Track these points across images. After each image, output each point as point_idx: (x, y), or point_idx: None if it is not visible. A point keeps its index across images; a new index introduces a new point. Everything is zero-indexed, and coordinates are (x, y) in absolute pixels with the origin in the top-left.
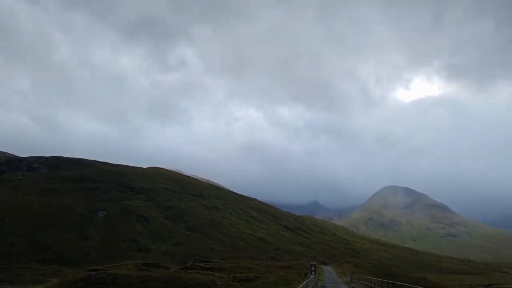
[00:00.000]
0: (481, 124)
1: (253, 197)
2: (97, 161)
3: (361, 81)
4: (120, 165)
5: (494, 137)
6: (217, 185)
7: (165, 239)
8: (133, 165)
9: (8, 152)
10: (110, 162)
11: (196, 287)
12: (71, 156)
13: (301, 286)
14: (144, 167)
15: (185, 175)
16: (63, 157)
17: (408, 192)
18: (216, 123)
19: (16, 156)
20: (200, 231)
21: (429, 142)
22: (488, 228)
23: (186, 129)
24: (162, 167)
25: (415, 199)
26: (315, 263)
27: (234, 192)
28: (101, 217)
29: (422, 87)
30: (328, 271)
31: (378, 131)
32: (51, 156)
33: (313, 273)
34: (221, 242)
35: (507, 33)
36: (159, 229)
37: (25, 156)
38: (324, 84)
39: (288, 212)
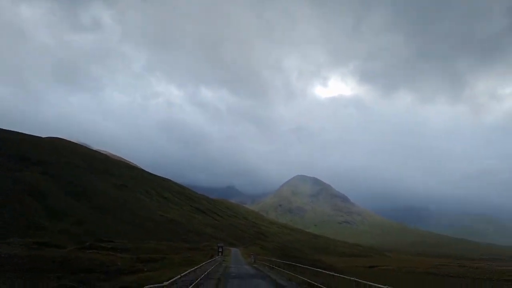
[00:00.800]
0: (383, 126)
1: (168, 177)
2: None
3: (285, 73)
4: (12, 131)
5: (392, 138)
6: (128, 162)
7: (64, 217)
8: (28, 133)
9: None
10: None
11: (94, 267)
12: None
13: (201, 264)
14: (43, 136)
15: (93, 150)
16: None
17: (316, 182)
18: (132, 96)
19: None
20: (106, 211)
21: (339, 138)
22: (378, 217)
23: (95, 99)
24: (65, 138)
25: (321, 189)
26: (222, 244)
27: (146, 172)
28: None
29: (337, 86)
30: (235, 252)
31: (295, 123)
32: None
33: (220, 254)
34: (129, 222)
35: (414, 47)
36: (57, 206)
37: None
38: (250, 71)
39: (202, 194)
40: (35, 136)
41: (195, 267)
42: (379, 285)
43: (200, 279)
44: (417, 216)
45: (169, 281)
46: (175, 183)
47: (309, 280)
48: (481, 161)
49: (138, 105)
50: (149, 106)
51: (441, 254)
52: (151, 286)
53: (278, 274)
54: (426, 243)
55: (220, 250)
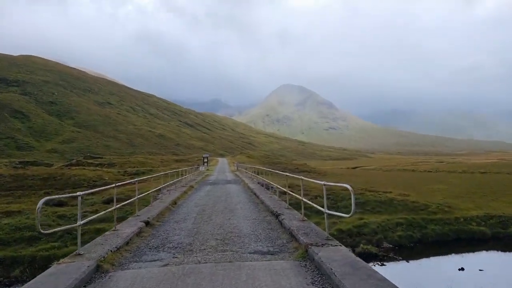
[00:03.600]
0: (370, 25)
1: (151, 93)
2: None
3: None
4: None
5: (379, 39)
6: (110, 79)
7: (51, 137)
8: None
9: None
10: None
11: (81, 183)
12: None
13: (184, 176)
14: (14, 54)
15: (70, 67)
16: None
17: (302, 90)
18: (98, 3)
19: None
20: (91, 128)
21: (324, 41)
22: (362, 122)
23: (60, 10)
24: (37, 55)
25: (307, 97)
26: (207, 155)
27: (129, 88)
28: None
29: None
30: (222, 162)
31: (278, 27)
32: None
33: (205, 164)
34: (117, 139)
35: None
36: (42, 126)
37: None
38: None
39: (188, 109)
40: (6, 54)
41: (177, 179)
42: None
43: (170, 185)
44: (403, 118)
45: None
46: (160, 99)
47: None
48: (471, 56)
49: (106, 14)
50: (119, 16)
51: (424, 152)
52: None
53: (253, 179)
54: (410, 143)
55: (206, 160)
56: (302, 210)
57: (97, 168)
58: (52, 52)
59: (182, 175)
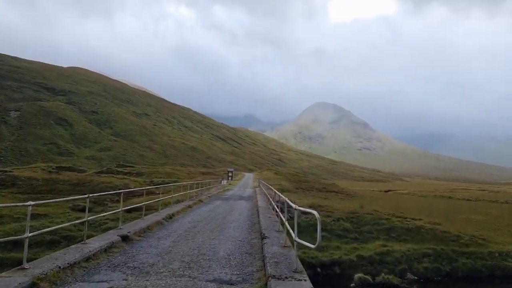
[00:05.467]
0: (410, 45)
1: (186, 106)
2: (6, 55)
3: None
4: (34, 61)
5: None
6: (148, 91)
7: (90, 144)
8: (49, 63)
9: None
10: (21, 57)
11: (107, 190)
12: None
13: (199, 188)
14: (63, 66)
15: (112, 79)
16: None
17: (336, 108)
18: (142, 20)
19: None
20: (128, 138)
21: (361, 60)
22: (397, 143)
23: (107, 23)
24: (84, 67)
25: (341, 116)
26: (232, 169)
27: (166, 101)
28: (15, 118)
29: (362, 2)
30: (248, 177)
31: (315, 45)
32: None
33: (229, 178)
34: (151, 149)
35: None
36: (83, 133)
37: None
38: None
39: (222, 123)
40: (56, 66)
41: (188, 191)
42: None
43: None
44: (441, 142)
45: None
46: (195, 112)
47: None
48: None
49: (149, 30)
50: (159, 30)
51: (465, 179)
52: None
53: (268, 196)
54: (448, 168)
55: (230, 174)
56: (285, 235)
57: (125, 176)
58: (98, 63)
59: (200, 187)
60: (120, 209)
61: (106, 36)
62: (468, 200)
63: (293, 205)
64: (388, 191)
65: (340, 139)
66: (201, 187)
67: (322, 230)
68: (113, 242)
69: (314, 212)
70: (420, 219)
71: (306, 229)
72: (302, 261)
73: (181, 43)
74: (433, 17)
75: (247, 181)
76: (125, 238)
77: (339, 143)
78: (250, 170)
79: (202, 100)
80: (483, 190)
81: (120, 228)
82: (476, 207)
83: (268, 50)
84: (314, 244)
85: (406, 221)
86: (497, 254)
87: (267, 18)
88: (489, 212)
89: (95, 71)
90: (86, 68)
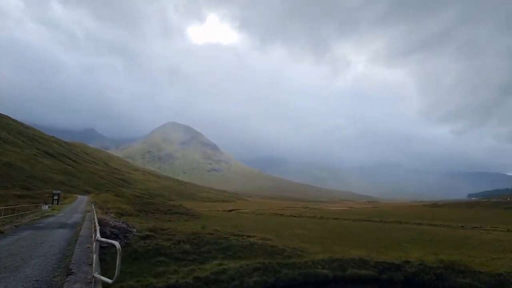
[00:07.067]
0: (258, 77)
1: (4, 113)
2: None
3: (161, 4)
4: None
5: (264, 91)
6: None
7: None
8: None
9: None
10: None
11: None
12: None
13: None
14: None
15: None
16: None
17: (188, 129)
18: None
19: None
20: None
21: (213, 85)
22: (243, 166)
23: None
24: None
25: (192, 137)
26: (59, 191)
27: None
28: None
29: (216, 30)
30: (81, 200)
31: (170, 65)
32: None
33: (54, 202)
34: None
35: (289, 2)
36: None
37: None
38: None
39: (52, 136)
40: None
41: None
42: None
43: None
44: (276, 165)
45: None
46: (15, 121)
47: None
48: (334, 119)
49: None
50: None
51: (294, 198)
52: None
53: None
54: (283, 189)
55: (56, 198)
56: (94, 269)
57: None
58: None
59: (9, 214)
60: None
61: None
62: (294, 216)
63: (98, 234)
64: (231, 210)
65: (190, 160)
66: (10, 213)
67: (161, 254)
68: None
69: (115, 242)
70: (254, 236)
71: (144, 255)
72: None
73: (4, 34)
74: (274, 56)
75: (78, 205)
76: None
77: (189, 164)
78: (87, 192)
79: (27, 108)
80: (306, 208)
81: None
82: (300, 222)
83: (116, 61)
84: (112, 278)
85: (242, 238)
86: (310, 263)
87: (117, 27)
88: (309, 226)
89: None
90: None
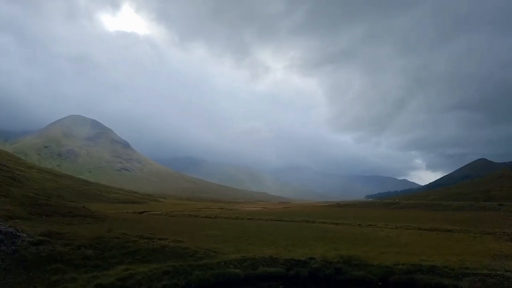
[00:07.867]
0: (176, 75)
1: None
2: None
3: None
4: None
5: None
6: None
7: None
8: None
9: None
10: None
11: None
12: None
13: None
14: None
15: None
16: None
17: (95, 124)
18: None
19: None
20: None
21: (127, 79)
22: (157, 165)
23: None
24: None
25: (100, 133)
26: None
27: None
28: None
29: (131, 19)
30: None
31: (76, 51)
32: None
33: None
34: None
35: (212, 2)
36: None
37: None
38: None
39: None
40: None
41: None
42: None
43: None
44: (196, 166)
45: None
46: None
47: None
48: (252, 122)
49: None
50: None
51: (211, 199)
52: None
53: None
54: (200, 190)
55: None
56: None
57: None
58: None
59: None
60: None
61: None
62: (209, 217)
63: None
64: (143, 212)
65: (97, 158)
66: None
67: (57, 261)
68: None
69: None
70: (166, 239)
71: (35, 263)
72: None
73: None
74: (195, 55)
75: None
76: None
77: (95, 162)
78: None
79: None
80: (222, 209)
81: None
82: (214, 223)
83: (6, 38)
84: None
85: (153, 241)
86: (223, 263)
87: (15, 2)
88: (224, 227)
89: None
90: None
